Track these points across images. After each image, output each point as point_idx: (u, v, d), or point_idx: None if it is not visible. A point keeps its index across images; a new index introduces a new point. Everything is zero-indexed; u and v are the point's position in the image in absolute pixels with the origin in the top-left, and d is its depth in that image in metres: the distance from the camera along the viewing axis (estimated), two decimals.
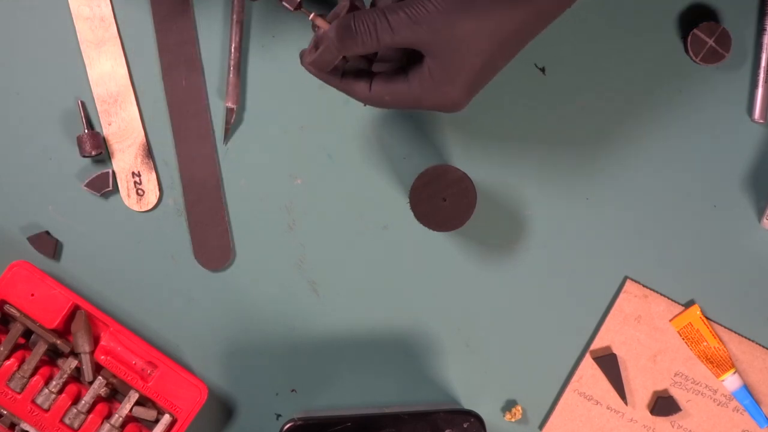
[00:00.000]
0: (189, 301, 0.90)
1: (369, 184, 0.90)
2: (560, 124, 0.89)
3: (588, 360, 0.90)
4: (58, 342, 0.86)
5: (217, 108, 0.89)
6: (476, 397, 0.90)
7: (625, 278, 0.90)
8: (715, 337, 0.89)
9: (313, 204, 0.90)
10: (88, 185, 0.88)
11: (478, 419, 0.85)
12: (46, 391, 0.85)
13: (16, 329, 0.85)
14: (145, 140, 0.89)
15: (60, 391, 0.85)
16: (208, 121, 0.89)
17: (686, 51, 0.88)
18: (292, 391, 0.90)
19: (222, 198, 0.89)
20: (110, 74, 0.89)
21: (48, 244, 0.89)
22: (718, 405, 0.90)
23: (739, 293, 0.90)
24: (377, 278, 0.90)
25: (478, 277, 0.90)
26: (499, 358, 0.90)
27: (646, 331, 0.90)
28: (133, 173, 0.89)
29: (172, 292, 0.90)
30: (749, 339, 0.90)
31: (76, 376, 0.87)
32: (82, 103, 0.89)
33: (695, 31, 0.87)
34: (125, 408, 0.86)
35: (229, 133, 0.89)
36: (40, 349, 0.85)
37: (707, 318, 0.90)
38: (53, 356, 0.88)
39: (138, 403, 0.87)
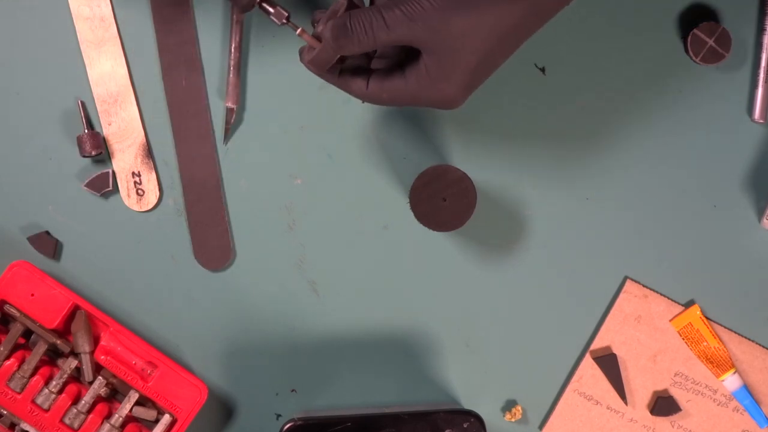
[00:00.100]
0: (189, 301, 0.90)
1: (369, 184, 0.90)
2: (560, 124, 0.89)
3: (588, 360, 0.90)
4: (58, 342, 0.86)
5: (217, 108, 0.89)
6: (476, 397, 0.90)
7: (625, 278, 0.90)
8: (715, 337, 0.89)
9: (313, 204, 0.90)
10: (88, 185, 0.88)
11: (478, 419, 0.85)
12: (46, 391, 0.85)
13: (16, 329, 0.85)
14: (145, 140, 0.89)
15: (60, 391, 0.85)
16: (208, 121, 0.89)
17: (686, 51, 0.88)
18: (292, 391, 0.90)
19: (222, 198, 0.89)
20: (110, 74, 0.89)
21: (48, 244, 0.89)
22: (718, 405, 0.90)
23: (739, 293, 0.90)
24: (377, 278, 0.90)
25: (478, 277, 0.90)
26: (499, 358, 0.90)
27: (646, 331, 0.90)
28: (133, 173, 0.89)
29: (172, 292, 0.90)
30: (749, 339, 0.90)
31: (76, 376, 0.87)
32: (82, 103, 0.89)
33: (695, 31, 0.87)
34: (125, 408, 0.86)
35: (229, 133, 0.89)
36: (40, 349, 0.85)
37: (707, 318, 0.90)
38: (53, 356, 0.88)
39: (138, 403, 0.87)
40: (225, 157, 0.89)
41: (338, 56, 0.74)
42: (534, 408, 0.90)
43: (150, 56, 0.89)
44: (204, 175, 0.89)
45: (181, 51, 0.89)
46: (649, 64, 0.89)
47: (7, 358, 0.85)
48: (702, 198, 0.90)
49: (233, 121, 0.89)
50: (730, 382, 0.89)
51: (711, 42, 0.87)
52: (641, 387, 0.90)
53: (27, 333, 0.87)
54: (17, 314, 0.85)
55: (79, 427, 0.85)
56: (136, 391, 0.86)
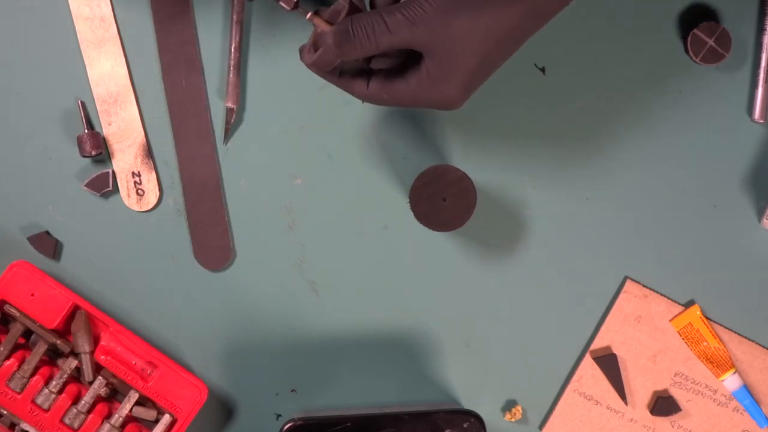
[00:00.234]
0: (189, 301, 0.90)
1: (369, 184, 0.90)
2: (560, 124, 0.89)
3: (588, 360, 0.90)
4: (58, 342, 0.86)
5: (217, 108, 0.89)
6: (476, 397, 0.90)
7: (625, 278, 0.90)
8: (715, 337, 0.89)
9: (313, 204, 0.90)
10: (88, 185, 0.88)
11: (478, 419, 0.85)
12: (46, 391, 0.85)
13: (16, 329, 0.85)
14: (145, 140, 0.89)
15: (60, 391, 0.85)
16: (208, 121, 0.89)
17: (686, 51, 0.88)
18: (292, 391, 0.90)
19: (222, 198, 0.89)
20: (110, 74, 0.89)
21: (48, 244, 0.89)
22: (718, 405, 0.90)
23: (739, 293, 0.90)
24: (377, 278, 0.90)
25: (478, 277, 0.90)
26: (499, 358, 0.90)
27: (646, 331, 0.90)
28: (133, 173, 0.89)
29: (172, 292, 0.90)
30: (749, 339, 0.90)
31: (76, 376, 0.87)
32: (82, 103, 0.89)
33: (695, 31, 0.87)
34: (125, 408, 0.86)
35: (229, 133, 0.89)
36: (40, 349, 0.85)
37: (707, 318, 0.90)
38: (53, 356, 0.88)
39: (138, 403, 0.87)
40: (225, 157, 0.89)
41: (340, 60, 0.74)
42: (534, 408, 0.90)
43: (150, 56, 0.89)
44: (204, 175, 0.89)
45: (181, 51, 0.89)
46: (649, 64, 0.89)
47: (7, 358, 0.85)
48: (702, 198, 0.90)
49: (233, 121, 0.89)
50: (730, 382, 0.89)
51: (711, 42, 0.87)
52: (641, 387, 0.90)
53: (27, 333, 0.87)
54: (17, 314, 0.85)
55: (79, 427, 0.85)
56: (136, 391, 0.86)
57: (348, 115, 0.89)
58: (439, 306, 0.90)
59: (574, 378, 0.90)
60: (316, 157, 0.89)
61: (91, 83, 0.88)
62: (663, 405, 0.89)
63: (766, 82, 0.88)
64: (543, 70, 0.89)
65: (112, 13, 0.88)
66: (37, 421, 0.85)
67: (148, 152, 0.89)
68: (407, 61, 0.76)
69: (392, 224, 0.90)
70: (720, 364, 0.89)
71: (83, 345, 0.85)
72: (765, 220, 0.88)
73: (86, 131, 0.88)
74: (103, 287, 0.89)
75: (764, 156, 0.89)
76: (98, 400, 0.86)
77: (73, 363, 0.86)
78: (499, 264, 0.90)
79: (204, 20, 0.89)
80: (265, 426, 0.90)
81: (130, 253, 0.89)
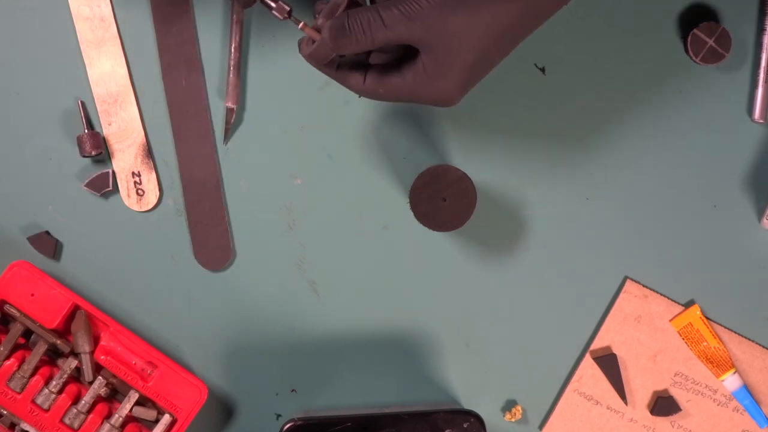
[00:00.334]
0: (189, 301, 0.90)
1: (369, 184, 0.90)
2: (560, 124, 0.89)
3: (588, 360, 0.90)
4: (58, 342, 0.86)
5: (217, 108, 0.89)
6: (476, 397, 0.90)
7: (625, 278, 0.90)
8: (715, 337, 0.89)
9: (313, 204, 0.90)
10: (88, 185, 0.88)
11: (478, 419, 0.85)
12: (46, 391, 0.85)
13: (16, 329, 0.85)
14: (145, 140, 0.89)
15: (60, 391, 0.85)
16: (208, 121, 0.89)
17: (686, 51, 0.88)
18: (292, 391, 0.90)
19: (222, 198, 0.89)
20: (110, 74, 0.89)
21: (48, 244, 0.89)
22: (718, 405, 0.90)
23: (739, 293, 0.90)
24: (377, 278, 0.90)
25: (478, 277, 0.90)
26: (499, 358, 0.90)
27: (646, 331, 0.90)
28: (133, 173, 0.89)
29: (172, 292, 0.90)
30: (749, 339, 0.90)
31: (76, 376, 0.87)
32: (82, 103, 0.89)
33: (695, 31, 0.87)
34: (125, 408, 0.86)
35: (229, 133, 0.89)
36: (40, 349, 0.85)
37: (707, 318, 0.90)
38: (53, 356, 0.88)
39: (138, 403, 0.87)
40: (225, 157, 0.89)
41: (336, 54, 0.74)
42: (534, 408, 0.90)
43: (150, 56, 0.89)
44: (204, 175, 0.89)
45: (181, 51, 0.89)
46: (649, 64, 0.89)
47: (7, 358, 0.85)
48: (702, 198, 0.90)
49: (233, 121, 0.89)
50: (730, 382, 0.89)
51: (711, 42, 0.87)
52: (641, 387, 0.90)
53: (27, 333, 0.87)
54: (17, 314, 0.85)
55: (79, 427, 0.85)
56: (136, 391, 0.86)
57: (348, 115, 0.89)
58: (439, 306, 0.90)
59: (574, 378, 0.90)
60: (316, 157, 0.89)
61: (91, 83, 0.88)
62: (663, 405, 0.89)
63: (766, 82, 0.88)
64: (543, 70, 0.89)
65: (112, 13, 0.88)
66: (37, 421, 0.85)
67: (148, 152, 0.89)
68: (404, 56, 0.76)
69: (392, 224, 0.90)
70: (720, 364, 0.89)
71: (83, 345, 0.85)
72: (765, 220, 0.88)
73: (86, 131, 0.88)
74: (103, 287, 0.89)
75: (764, 156, 0.89)
76: (98, 400, 0.86)
77: (73, 363, 0.86)
78: (499, 264, 0.90)
79: (204, 20, 0.89)
80: (265, 426, 0.90)
81: (130, 253, 0.89)
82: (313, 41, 0.75)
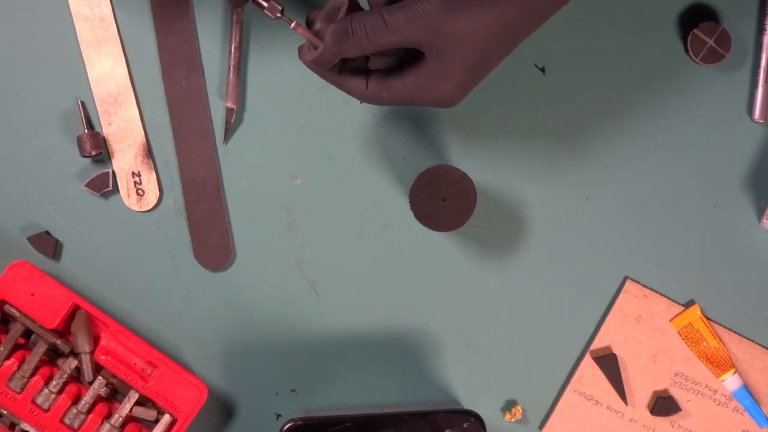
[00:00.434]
0: (189, 301, 0.90)
1: (369, 184, 0.90)
2: (560, 124, 0.89)
3: (588, 360, 0.90)
4: (58, 342, 0.86)
5: (217, 108, 0.89)
6: (476, 397, 0.90)
7: (625, 278, 0.90)
8: (715, 337, 0.89)
9: (313, 204, 0.90)
10: (88, 185, 0.88)
11: (478, 419, 0.85)
12: (46, 391, 0.85)
13: (16, 329, 0.85)
14: (145, 140, 0.89)
15: (60, 391, 0.85)
16: (208, 121, 0.89)
17: (686, 51, 0.88)
18: (292, 391, 0.90)
19: (222, 198, 0.89)
20: (110, 74, 0.89)
21: (48, 244, 0.89)
22: (718, 405, 0.90)
23: (739, 293, 0.90)
24: (377, 278, 0.90)
25: (478, 277, 0.90)
26: (499, 358, 0.90)
27: (646, 331, 0.90)
28: (133, 173, 0.89)
29: (172, 292, 0.90)
30: (749, 339, 0.90)
31: (76, 376, 0.87)
32: (82, 103, 0.89)
33: (695, 31, 0.87)
34: (125, 408, 0.86)
35: (229, 133, 0.89)
36: (40, 349, 0.85)
37: (707, 318, 0.90)
38: (53, 356, 0.88)
39: (138, 403, 0.87)
40: (225, 157, 0.89)
41: (338, 59, 0.74)
42: (534, 408, 0.90)
43: (150, 56, 0.89)
44: (204, 175, 0.89)
45: (181, 51, 0.89)
46: (649, 64, 0.89)
47: (7, 358, 0.85)
48: (702, 198, 0.90)
49: (233, 121, 0.89)
50: (730, 382, 0.89)
51: (711, 42, 0.87)
52: (641, 387, 0.90)
53: (27, 333, 0.87)
54: (17, 314, 0.85)
55: (79, 427, 0.85)
56: (136, 391, 0.86)
57: (348, 115, 0.89)
58: (439, 306, 0.90)
59: (574, 378, 0.90)
60: (316, 157, 0.89)
61: (91, 83, 0.88)
62: (663, 405, 0.89)
63: (766, 82, 0.88)
64: (543, 70, 0.89)
65: (112, 13, 0.88)
66: (37, 421, 0.85)
67: (148, 152, 0.89)
68: (405, 59, 0.76)
69: (392, 224, 0.90)
70: (720, 364, 0.89)
71: (83, 345, 0.85)
72: (765, 220, 0.88)
73: (86, 131, 0.88)
74: (103, 287, 0.89)
75: (764, 156, 0.89)
76: (98, 400, 0.86)
77: (73, 363, 0.86)
78: (499, 264, 0.90)
79: (204, 20, 0.89)
80: (265, 426, 0.90)
81: (130, 253, 0.89)
82: (315, 47, 0.75)
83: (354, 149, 0.89)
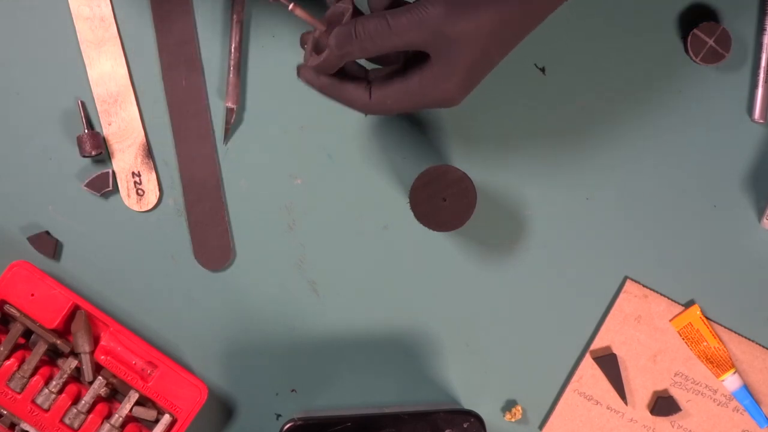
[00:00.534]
0: (189, 301, 0.90)
1: (369, 184, 0.90)
2: (560, 124, 0.89)
3: (588, 360, 0.90)
4: (58, 342, 0.86)
5: (217, 108, 0.89)
6: (476, 397, 0.90)
7: (625, 278, 0.90)
8: (715, 337, 0.89)
9: (313, 204, 0.90)
10: (88, 185, 0.88)
11: (478, 419, 0.85)
12: (46, 391, 0.85)
13: (16, 329, 0.85)
14: (145, 140, 0.89)
15: (60, 391, 0.85)
16: (208, 121, 0.89)
17: (686, 51, 0.88)
18: (292, 391, 0.90)
19: (222, 198, 0.89)
20: (110, 74, 0.89)
21: (48, 244, 0.89)
22: (718, 405, 0.90)
23: (739, 293, 0.90)
24: (377, 278, 0.90)
25: (478, 277, 0.90)
26: (499, 358, 0.90)
27: (646, 331, 0.90)
28: (133, 173, 0.89)
29: (172, 292, 0.90)
30: (749, 339, 0.90)
31: (76, 376, 0.87)
32: (82, 103, 0.89)
33: (695, 31, 0.87)
34: (125, 408, 0.86)
35: (229, 133, 0.89)
36: (40, 349, 0.85)
37: (707, 318, 0.90)
38: (53, 356, 0.88)
39: (138, 403, 0.87)
40: (225, 157, 0.89)
41: (342, 63, 0.74)
42: (534, 408, 0.90)
43: (150, 56, 0.89)
44: (204, 175, 0.89)
45: (181, 51, 0.89)
46: (649, 64, 0.89)
47: (7, 358, 0.85)
48: (702, 198, 0.90)
49: (233, 121, 0.89)
50: (730, 382, 0.89)
51: (711, 42, 0.87)
52: (641, 387, 0.90)
53: (27, 333, 0.87)
54: (17, 314, 0.85)
55: (79, 427, 0.85)
56: (136, 391, 0.86)
57: (348, 115, 0.89)
58: (439, 306, 0.90)
59: (574, 378, 0.90)
60: (316, 157, 0.89)
61: (91, 83, 0.88)
62: (663, 405, 0.89)
63: (766, 82, 0.88)
64: (543, 70, 0.89)
65: (112, 13, 0.88)
66: (37, 421, 0.85)
67: (148, 152, 0.89)
68: (405, 64, 0.76)
69: (392, 224, 0.90)
70: (720, 364, 0.89)
71: (83, 345, 0.85)
72: (765, 220, 0.88)
73: (86, 131, 0.88)
74: (103, 287, 0.89)
75: (764, 156, 0.89)
76: (98, 400, 0.86)
77: (73, 363, 0.86)
78: (499, 264, 0.90)
79: (204, 20, 0.89)
80: (265, 426, 0.90)
81: (130, 253, 0.89)
82: (317, 53, 0.75)
83: (354, 149, 0.89)
